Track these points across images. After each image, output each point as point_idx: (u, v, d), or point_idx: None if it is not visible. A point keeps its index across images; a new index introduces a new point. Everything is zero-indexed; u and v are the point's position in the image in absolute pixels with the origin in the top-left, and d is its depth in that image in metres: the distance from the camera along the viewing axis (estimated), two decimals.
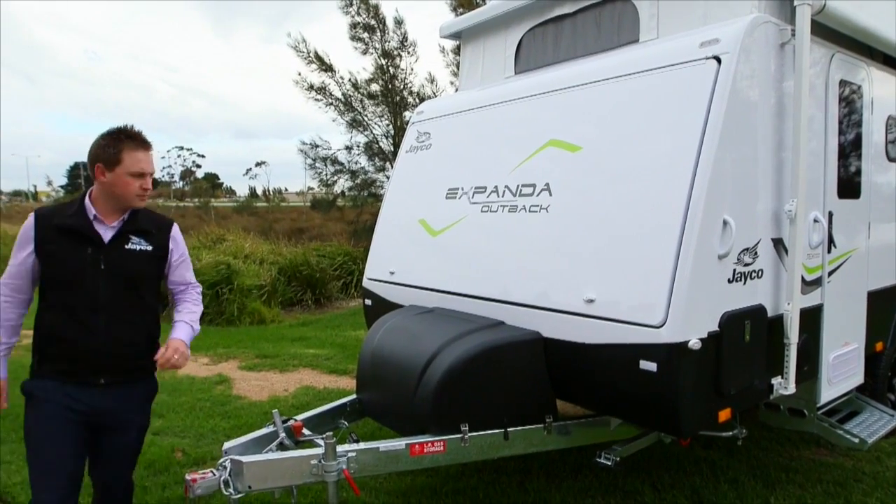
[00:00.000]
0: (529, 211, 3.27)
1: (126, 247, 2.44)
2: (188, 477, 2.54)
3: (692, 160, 2.62)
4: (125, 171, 2.39)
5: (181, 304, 2.72)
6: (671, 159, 2.71)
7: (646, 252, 2.68)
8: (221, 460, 2.68)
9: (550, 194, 3.19)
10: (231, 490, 2.56)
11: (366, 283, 4.40)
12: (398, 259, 4.15)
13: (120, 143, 2.39)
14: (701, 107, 2.68)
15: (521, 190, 3.36)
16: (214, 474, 2.63)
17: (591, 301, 2.82)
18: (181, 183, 74.66)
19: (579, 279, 2.92)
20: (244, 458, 2.66)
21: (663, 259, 2.58)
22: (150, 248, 2.51)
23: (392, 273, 4.13)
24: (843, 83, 3.42)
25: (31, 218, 2.39)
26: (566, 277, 2.99)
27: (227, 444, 2.86)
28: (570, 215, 3.08)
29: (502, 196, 3.45)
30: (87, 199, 2.43)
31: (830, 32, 3.27)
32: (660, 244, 2.62)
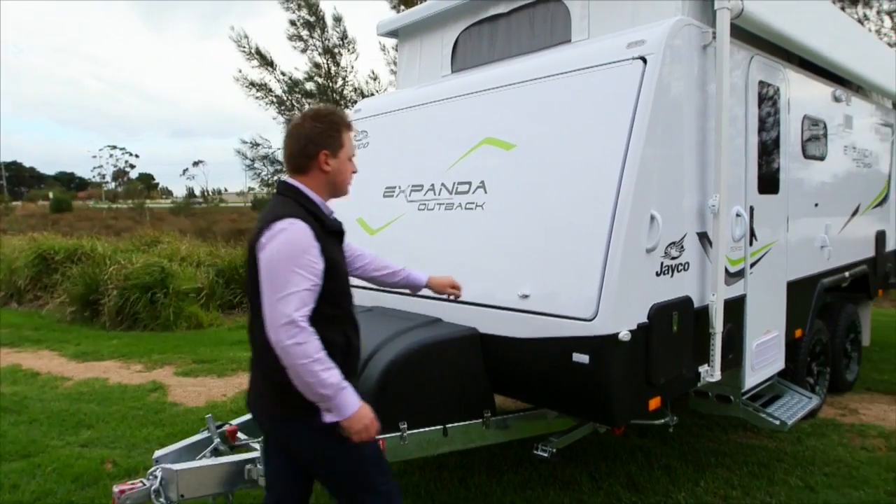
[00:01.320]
0: (465, 208, 3.30)
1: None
2: (116, 489, 2.45)
3: (620, 157, 2.70)
4: (347, 155, 2.18)
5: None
6: (600, 156, 2.78)
7: (577, 247, 2.74)
8: (151, 469, 2.59)
9: (486, 192, 3.23)
10: (162, 500, 2.48)
11: None
12: None
13: (339, 124, 2.15)
14: (628, 106, 2.76)
15: (457, 188, 3.38)
16: (144, 484, 2.53)
17: (525, 297, 2.87)
18: (113, 184, 71.58)
19: (514, 275, 2.96)
20: (175, 466, 2.58)
21: (594, 254, 2.64)
22: None
23: None
24: (762, 84, 3.59)
25: (301, 225, 1.96)
26: (502, 274, 3.03)
27: (157, 453, 2.77)
28: (505, 212, 3.12)
29: (439, 194, 3.46)
30: (311, 192, 2.12)
31: (750, 36, 3.42)
32: (590, 239, 2.68)
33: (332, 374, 1.92)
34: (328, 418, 1.99)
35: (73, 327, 8.96)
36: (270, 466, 2.32)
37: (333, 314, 2.06)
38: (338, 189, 2.20)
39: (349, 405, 1.97)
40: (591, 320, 2.60)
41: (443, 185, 3.45)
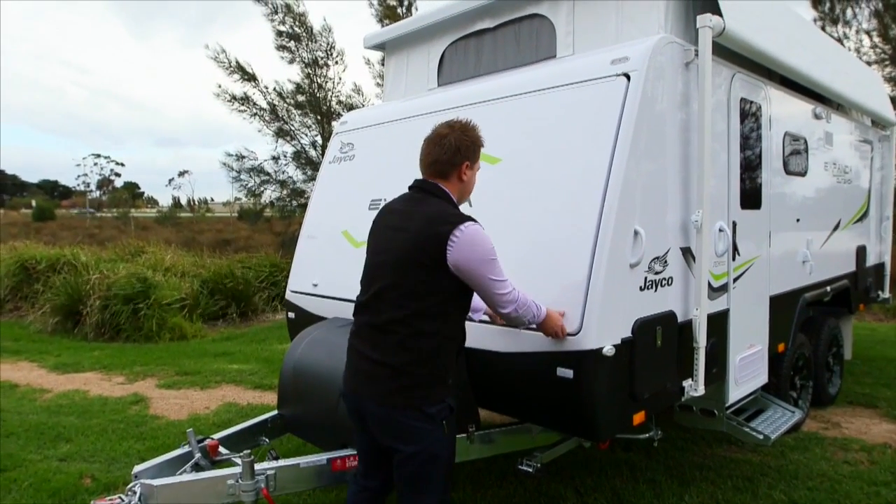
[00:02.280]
0: None
1: None
2: None
3: (604, 172, 2.72)
4: (477, 168, 2.46)
5: None
6: (584, 171, 2.80)
7: (561, 262, 2.75)
8: (131, 485, 2.57)
9: (470, 205, 3.23)
10: None
11: (289, 295, 4.31)
12: (321, 271, 4.08)
13: (479, 141, 2.42)
14: (612, 121, 2.79)
15: None
16: (123, 500, 2.51)
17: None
18: (98, 193, 70.89)
19: None
20: (155, 482, 2.55)
21: (578, 269, 2.65)
22: None
23: (315, 285, 4.06)
24: (744, 101, 3.64)
25: (477, 224, 2.27)
26: None
27: (137, 468, 2.74)
28: (490, 227, 3.11)
29: None
30: (453, 197, 2.39)
31: (731, 54, 3.48)
32: (574, 254, 2.69)
33: (532, 306, 2.41)
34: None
35: (54, 338, 8.83)
36: (363, 456, 2.52)
37: (464, 306, 2.37)
38: (464, 197, 2.47)
39: (543, 318, 2.48)
40: (575, 335, 2.61)
41: None
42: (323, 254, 4.17)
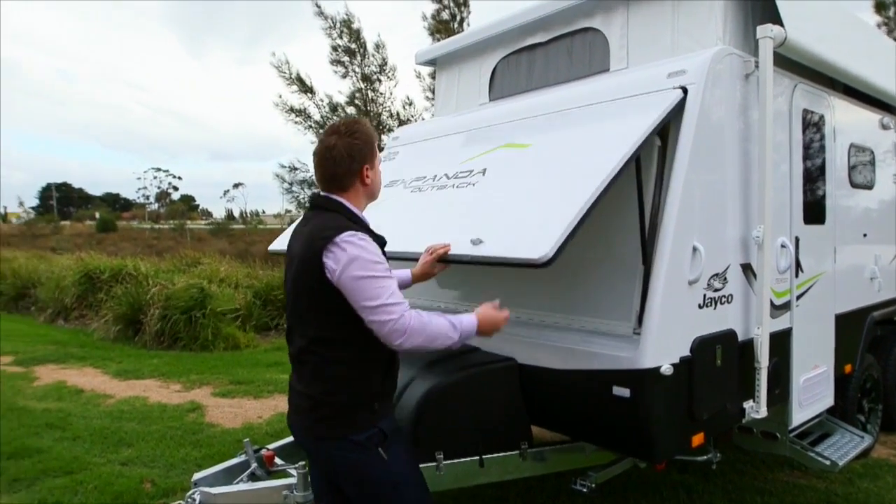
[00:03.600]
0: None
1: None
2: None
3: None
4: (379, 162, 2.22)
5: None
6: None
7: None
8: (190, 492, 2.63)
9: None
10: None
11: None
12: None
13: (371, 135, 2.15)
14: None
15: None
16: None
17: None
18: (156, 205, 73.82)
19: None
20: (213, 490, 2.61)
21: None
22: None
23: None
24: (806, 112, 3.52)
25: (363, 235, 2.00)
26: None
27: (196, 475, 2.80)
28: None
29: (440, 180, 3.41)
30: (355, 209, 2.14)
31: (793, 64, 3.37)
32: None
33: (442, 325, 2.03)
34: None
35: (116, 345, 9.20)
36: (314, 483, 2.36)
37: None
38: (374, 196, 2.24)
39: (471, 328, 2.11)
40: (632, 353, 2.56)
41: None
42: None
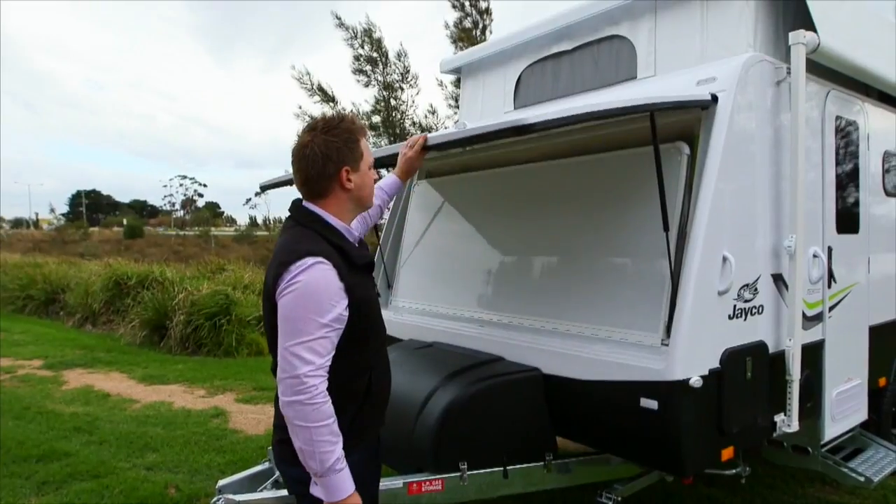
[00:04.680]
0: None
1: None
2: None
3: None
4: (367, 164, 1.93)
5: None
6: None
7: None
8: (214, 499, 2.63)
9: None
10: None
11: None
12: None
13: (354, 132, 1.89)
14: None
15: None
16: None
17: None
18: (182, 212, 75.05)
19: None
20: (237, 497, 2.61)
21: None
22: None
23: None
24: (839, 119, 3.45)
25: (322, 266, 1.73)
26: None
27: (220, 482, 2.81)
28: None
29: None
30: (334, 219, 1.89)
31: (825, 70, 3.31)
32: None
33: (330, 450, 1.70)
34: (314, 490, 1.77)
35: (142, 351, 9.32)
36: None
37: (356, 359, 1.87)
38: (363, 203, 1.98)
39: (339, 489, 1.73)
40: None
41: None
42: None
